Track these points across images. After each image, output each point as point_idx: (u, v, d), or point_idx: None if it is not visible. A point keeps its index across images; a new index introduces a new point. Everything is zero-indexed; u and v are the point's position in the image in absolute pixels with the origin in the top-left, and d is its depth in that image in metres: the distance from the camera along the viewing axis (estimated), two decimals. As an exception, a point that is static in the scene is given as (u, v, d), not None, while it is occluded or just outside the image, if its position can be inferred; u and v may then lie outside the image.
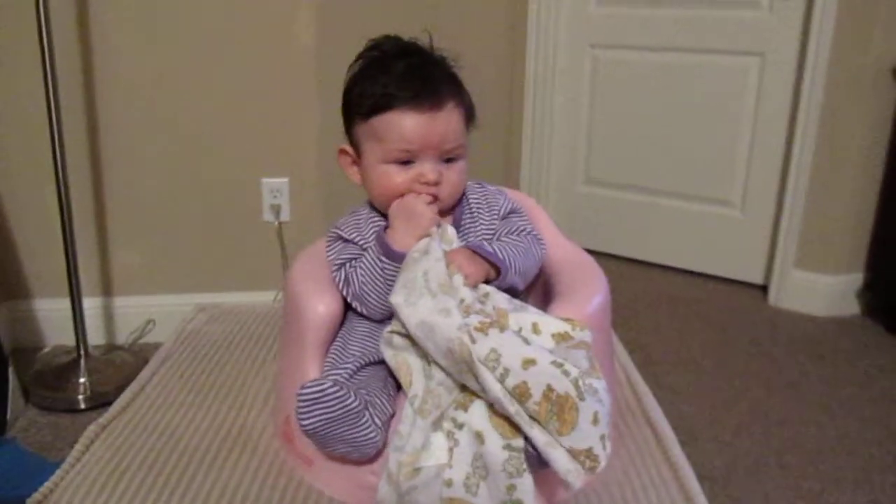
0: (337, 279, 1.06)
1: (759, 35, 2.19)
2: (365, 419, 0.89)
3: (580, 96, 2.53)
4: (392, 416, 0.95)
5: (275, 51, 1.83)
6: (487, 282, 1.01)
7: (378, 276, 1.02)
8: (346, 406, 0.88)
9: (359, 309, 1.05)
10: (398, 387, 0.97)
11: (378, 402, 0.93)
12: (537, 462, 0.87)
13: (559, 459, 0.85)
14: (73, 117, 1.76)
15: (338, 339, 1.04)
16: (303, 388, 0.89)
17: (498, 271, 1.02)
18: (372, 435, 0.90)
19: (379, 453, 0.94)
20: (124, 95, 1.79)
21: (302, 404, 0.89)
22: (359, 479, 0.95)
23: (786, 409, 1.66)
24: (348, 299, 1.06)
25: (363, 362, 0.98)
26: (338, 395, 0.88)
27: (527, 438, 0.86)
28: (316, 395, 0.88)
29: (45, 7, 1.52)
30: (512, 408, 0.85)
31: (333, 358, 0.99)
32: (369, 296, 1.03)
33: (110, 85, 1.78)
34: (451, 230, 1.04)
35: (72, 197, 1.66)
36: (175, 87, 1.81)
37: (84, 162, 1.81)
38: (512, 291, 1.05)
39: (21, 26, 1.64)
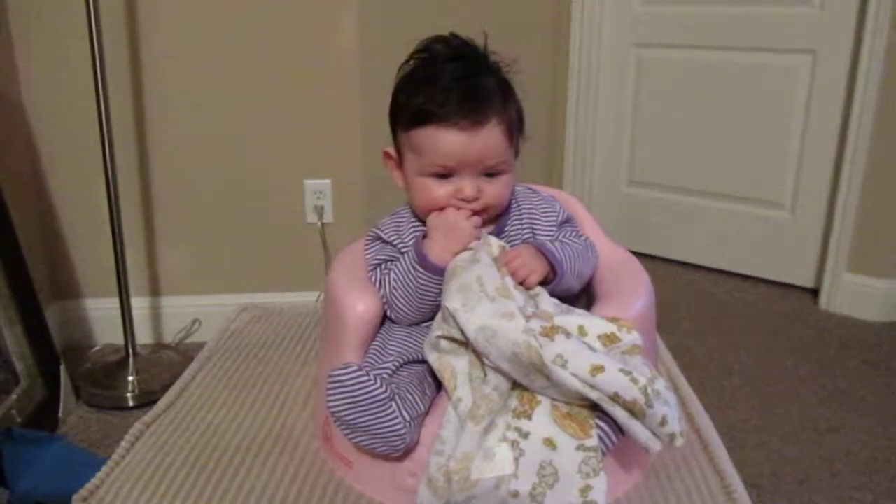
0: (372, 279, 1.07)
1: (811, 32, 2.13)
2: (391, 409, 0.88)
3: (624, 96, 2.50)
4: (425, 414, 0.94)
5: (318, 52, 1.84)
6: (544, 283, 1.01)
7: (410, 284, 1.01)
8: (370, 392, 0.88)
9: (388, 313, 1.05)
10: (438, 388, 0.97)
11: (410, 397, 0.92)
12: (615, 436, 0.89)
13: (640, 431, 0.87)
14: (122, 119, 1.79)
15: (377, 338, 1.04)
16: (333, 371, 0.90)
17: (555, 272, 1.01)
18: (398, 427, 0.89)
19: (410, 450, 0.94)
20: (171, 99, 1.83)
21: (329, 387, 0.90)
22: (397, 481, 0.95)
23: (837, 416, 1.61)
24: (383, 301, 1.06)
25: (403, 361, 0.98)
26: (361, 379, 0.88)
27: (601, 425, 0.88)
28: (342, 379, 0.89)
29: (96, 6, 1.55)
30: (594, 394, 0.86)
31: (373, 358, 0.99)
32: (399, 301, 1.03)
33: (158, 88, 1.82)
34: (493, 240, 1.03)
35: (121, 199, 1.69)
36: (220, 90, 1.84)
37: (132, 165, 1.85)
38: (567, 297, 1.04)
39: (70, 25, 1.68)
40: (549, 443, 0.86)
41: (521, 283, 0.98)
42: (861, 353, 1.90)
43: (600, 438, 0.88)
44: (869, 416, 1.61)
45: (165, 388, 1.28)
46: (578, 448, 0.86)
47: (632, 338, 0.94)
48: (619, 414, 0.86)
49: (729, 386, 1.73)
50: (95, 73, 1.59)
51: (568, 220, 1.13)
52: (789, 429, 1.56)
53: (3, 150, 1.71)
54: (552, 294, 1.01)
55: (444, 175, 1.03)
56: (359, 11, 1.83)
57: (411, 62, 1.06)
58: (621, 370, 0.86)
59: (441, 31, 1.08)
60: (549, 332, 0.88)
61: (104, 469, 1.02)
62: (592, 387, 0.86)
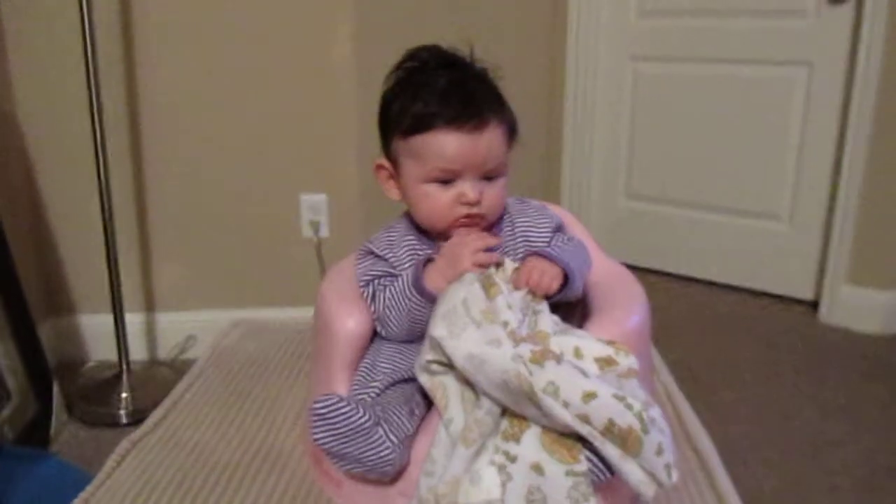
0: (364, 294, 1.05)
1: (807, 44, 2.13)
2: (377, 436, 0.87)
3: (621, 109, 2.50)
4: (413, 435, 0.93)
5: (314, 67, 1.84)
6: (560, 289, 0.99)
7: (403, 305, 1.00)
8: (354, 422, 0.86)
9: (379, 330, 1.04)
10: (428, 406, 0.95)
11: (396, 419, 0.90)
12: (604, 475, 0.85)
13: (633, 472, 0.83)
14: (117, 134, 1.79)
15: (367, 356, 1.03)
16: (314, 403, 0.88)
17: (566, 277, 1.00)
18: (385, 453, 0.88)
19: (401, 473, 0.92)
20: (166, 113, 1.82)
21: (312, 420, 0.88)
22: (388, 502, 0.94)
23: (837, 430, 1.59)
24: (373, 317, 1.04)
25: (392, 380, 0.96)
26: (344, 410, 0.86)
27: (591, 457, 0.85)
28: (324, 411, 0.87)
29: (90, 20, 1.55)
30: (584, 429, 0.83)
31: (362, 376, 0.98)
32: (391, 320, 1.02)
33: (153, 103, 1.81)
34: (507, 262, 1.01)
35: (115, 214, 1.69)
36: (216, 104, 1.83)
37: (127, 179, 1.84)
38: (563, 308, 1.03)
39: (65, 40, 1.67)
40: (537, 468, 0.84)
41: (544, 296, 0.96)
42: (861, 365, 1.88)
43: (591, 471, 0.85)
44: (869, 430, 1.59)
45: (159, 404, 1.27)
46: (567, 474, 0.84)
47: (629, 362, 0.91)
48: (611, 453, 0.83)
49: (728, 400, 1.71)
50: (90, 87, 1.59)
51: (559, 227, 1.13)
52: (789, 443, 1.54)
53: (-4, 166, 1.71)
54: (563, 300, 1.00)
55: (445, 181, 1.02)
56: (355, 26, 1.83)
57: (399, 71, 1.06)
58: (615, 395, 0.83)
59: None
60: (539, 358, 0.85)
61: (89, 488, 1.01)
62: (583, 421, 0.83)
